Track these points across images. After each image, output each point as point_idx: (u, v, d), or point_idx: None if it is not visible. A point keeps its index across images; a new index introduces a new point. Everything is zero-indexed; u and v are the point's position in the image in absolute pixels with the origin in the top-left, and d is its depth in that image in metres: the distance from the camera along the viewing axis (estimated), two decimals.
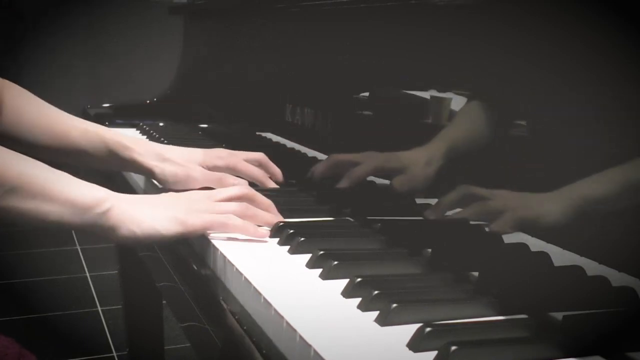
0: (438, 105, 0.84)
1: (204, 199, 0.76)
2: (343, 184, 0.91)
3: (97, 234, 0.72)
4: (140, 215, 0.71)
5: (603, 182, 0.61)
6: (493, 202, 0.73)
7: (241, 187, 0.79)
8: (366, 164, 0.92)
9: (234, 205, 0.75)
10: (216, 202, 0.76)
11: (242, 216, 0.74)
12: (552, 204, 0.65)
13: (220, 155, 0.94)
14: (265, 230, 0.74)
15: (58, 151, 0.94)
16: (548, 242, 0.66)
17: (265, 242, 0.72)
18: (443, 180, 0.80)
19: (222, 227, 0.72)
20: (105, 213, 0.70)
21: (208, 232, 0.73)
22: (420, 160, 0.82)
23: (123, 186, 1.08)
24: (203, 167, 0.91)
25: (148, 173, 0.92)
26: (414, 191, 0.84)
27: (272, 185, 0.94)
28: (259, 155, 0.96)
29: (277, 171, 0.96)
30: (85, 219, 0.70)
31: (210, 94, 1.58)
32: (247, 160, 0.94)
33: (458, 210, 0.77)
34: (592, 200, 0.62)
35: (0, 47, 3.47)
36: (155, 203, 0.74)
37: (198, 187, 0.88)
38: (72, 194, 0.70)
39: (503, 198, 0.71)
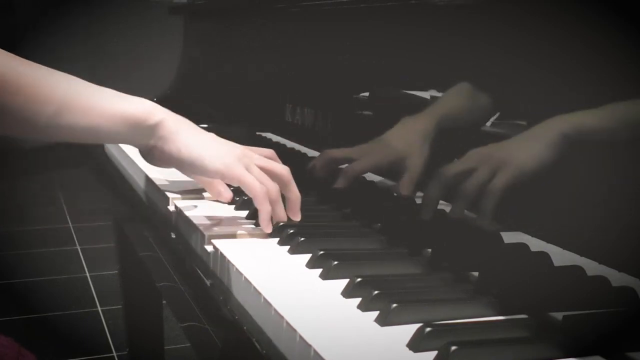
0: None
1: (249, 154, 0.75)
2: (340, 183, 0.90)
3: (142, 145, 0.72)
4: (191, 137, 0.72)
5: (586, 114, 0.60)
6: (480, 167, 0.70)
7: (284, 168, 0.77)
8: (362, 161, 0.90)
9: (270, 183, 0.74)
10: (265, 161, 0.75)
11: (268, 196, 0.73)
12: (538, 140, 0.63)
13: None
14: (269, 227, 0.74)
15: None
16: (548, 242, 0.66)
17: (265, 241, 0.72)
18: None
19: (252, 193, 0.72)
20: (156, 125, 0.71)
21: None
22: (414, 146, 0.81)
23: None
24: None
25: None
26: (419, 184, 0.82)
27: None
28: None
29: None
30: (136, 131, 0.71)
31: (210, 94, 1.58)
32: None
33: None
34: (575, 130, 0.60)
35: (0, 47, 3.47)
36: (210, 136, 0.74)
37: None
38: (121, 106, 0.70)
39: (485, 156, 0.69)
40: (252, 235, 0.74)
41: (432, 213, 0.77)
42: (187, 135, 0.72)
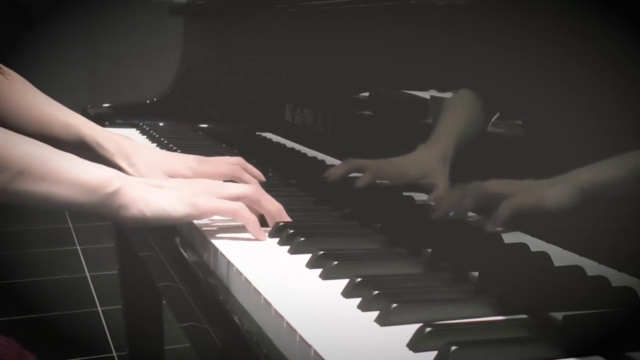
0: (438, 105, 0.84)
1: (213, 185, 0.76)
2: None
3: (106, 215, 0.71)
4: (150, 195, 0.71)
5: (603, 168, 0.61)
6: (491, 191, 0.72)
7: (251, 187, 0.77)
8: (378, 175, 0.90)
9: (243, 189, 0.75)
10: (225, 187, 0.75)
11: (250, 201, 0.74)
12: (552, 189, 0.65)
13: (190, 164, 0.91)
14: (265, 234, 0.73)
15: (40, 140, 0.95)
16: (548, 242, 0.66)
17: (265, 242, 0.72)
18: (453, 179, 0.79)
19: (231, 214, 0.72)
20: (114, 193, 0.70)
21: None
22: (435, 165, 0.81)
23: None
24: (169, 175, 0.89)
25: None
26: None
27: None
28: (237, 160, 0.92)
29: (257, 173, 0.93)
30: (94, 199, 0.70)
31: (210, 94, 1.58)
32: (221, 163, 0.91)
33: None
34: (592, 184, 0.61)
35: (0, 47, 3.47)
36: (165, 185, 0.74)
37: None
38: (80, 174, 0.70)
39: (501, 186, 0.70)
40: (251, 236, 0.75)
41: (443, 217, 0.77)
42: (146, 196, 0.71)
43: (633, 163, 0.58)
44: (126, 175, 0.74)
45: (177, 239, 0.80)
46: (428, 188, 0.81)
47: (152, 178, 0.81)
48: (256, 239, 0.72)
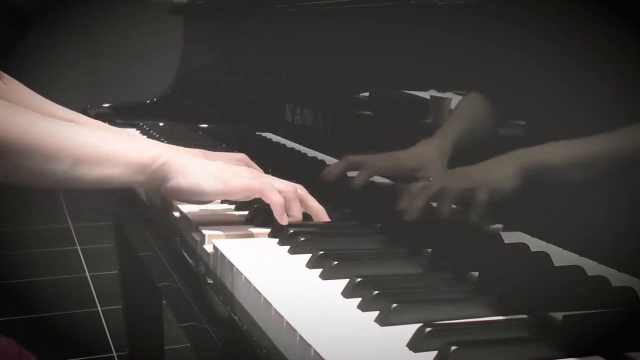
0: (438, 105, 0.84)
1: (250, 171, 0.79)
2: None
3: (151, 187, 0.77)
4: (189, 168, 0.75)
5: (558, 151, 0.62)
6: (436, 182, 0.75)
7: (297, 185, 0.80)
8: (375, 170, 0.91)
9: (292, 186, 0.78)
10: (274, 181, 0.78)
11: (291, 200, 0.76)
12: (502, 169, 0.67)
13: (194, 154, 0.91)
14: (287, 218, 0.75)
15: None
16: (548, 242, 0.66)
17: (265, 242, 0.73)
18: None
19: (260, 194, 0.75)
20: (161, 166, 0.75)
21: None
22: (431, 159, 0.82)
23: None
24: None
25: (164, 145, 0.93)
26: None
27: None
28: (241, 157, 0.95)
29: (259, 170, 0.93)
30: (145, 175, 0.75)
31: (210, 94, 1.58)
32: (226, 159, 0.92)
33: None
34: (545, 166, 0.63)
35: (0, 47, 3.47)
36: (205, 162, 0.78)
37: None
38: (133, 155, 0.74)
39: (445, 174, 0.74)
40: (250, 235, 0.75)
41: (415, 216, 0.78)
42: (186, 168, 0.75)
43: (586, 149, 0.60)
44: (171, 149, 0.78)
45: (177, 239, 0.80)
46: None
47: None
48: (258, 235, 0.72)
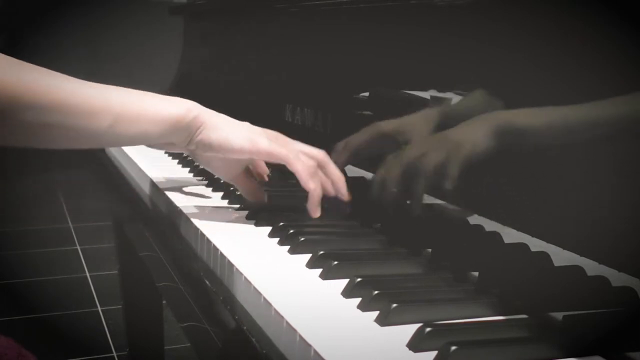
0: (438, 105, 0.84)
1: (280, 135, 0.81)
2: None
3: (183, 141, 0.78)
4: (219, 123, 0.78)
5: (531, 114, 0.63)
6: (410, 151, 0.76)
7: (322, 152, 0.82)
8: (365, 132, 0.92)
9: (317, 151, 0.80)
10: (299, 145, 0.81)
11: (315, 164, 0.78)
12: (474, 131, 0.69)
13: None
14: (314, 186, 0.76)
15: None
16: (548, 242, 0.66)
17: (265, 242, 0.73)
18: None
19: (284, 159, 0.77)
20: (193, 119, 0.77)
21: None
22: (414, 121, 0.83)
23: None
24: None
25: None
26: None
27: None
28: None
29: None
30: (179, 128, 0.77)
31: (210, 94, 1.58)
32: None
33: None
34: (518, 128, 0.64)
35: (0, 47, 3.47)
36: (234, 121, 0.80)
37: None
38: (167, 109, 0.77)
39: (418, 141, 0.75)
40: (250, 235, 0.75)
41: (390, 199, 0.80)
42: (216, 122, 0.78)
43: (560, 115, 0.61)
44: (201, 106, 0.80)
45: (177, 239, 0.80)
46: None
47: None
48: (258, 240, 0.72)
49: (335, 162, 0.85)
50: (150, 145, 0.82)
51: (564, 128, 0.61)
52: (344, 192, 0.80)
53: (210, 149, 0.78)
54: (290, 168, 0.77)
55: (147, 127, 0.75)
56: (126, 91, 0.77)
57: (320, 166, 0.80)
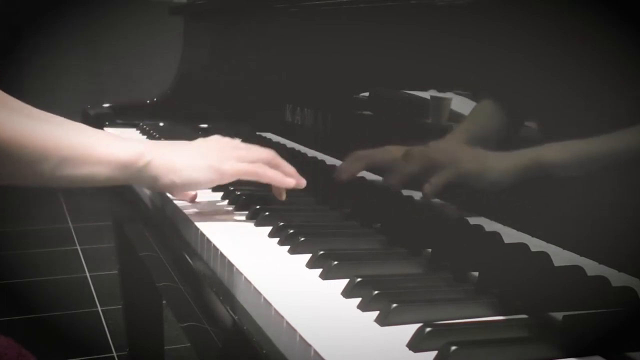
0: (438, 105, 0.84)
1: (234, 146, 0.82)
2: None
3: (141, 185, 0.79)
4: (177, 164, 0.77)
5: (557, 150, 0.63)
6: (437, 155, 0.76)
7: (271, 151, 0.83)
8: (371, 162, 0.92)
9: (262, 153, 0.81)
10: (246, 150, 0.81)
11: (269, 164, 0.80)
12: (501, 161, 0.68)
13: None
14: (291, 180, 0.80)
15: None
16: (548, 242, 0.66)
17: (265, 242, 0.73)
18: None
19: (254, 176, 0.78)
20: (146, 165, 0.76)
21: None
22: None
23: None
24: None
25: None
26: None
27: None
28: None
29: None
30: (130, 173, 0.76)
31: (210, 94, 1.58)
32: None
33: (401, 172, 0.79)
34: (542, 164, 0.64)
35: (0, 47, 3.47)
36: (190, 151, 0.80)
37: None
38: (117, 153, 0.75)
39: (446, 152, 0.75)
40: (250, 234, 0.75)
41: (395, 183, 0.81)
42: (174, 164, 0.77)
43: (583, 149, 0.60)
44: (155, 145, 0.79)
45: (177, 239, 0.80)
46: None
47: (183, 143, 0.85)
48: (258, 240, 0.72)
49: (349, 171, 0.89)
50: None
51: (590, 160, 0.61)
52: (302, 182, 0.82)
53: (178, 190, 0.79)
54: (262, 181, 0.79)
55: (94, 169, 0.74)
56: (78, 130, 0.76)
57: (273, 165, 0.81)
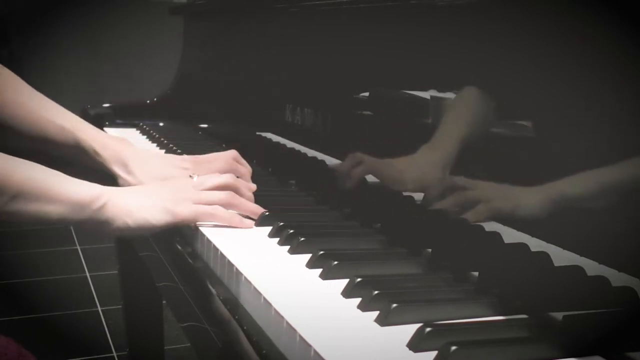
0: (438, 105, 0.84)
1: (190, 187, 0.80)
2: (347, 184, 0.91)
3: (94, 228, 0.76)
4: (132, 207, 0.76)
5: (581, 182, 0.62)
6: (472, 192, 0.74)
7: (227, 176, 0.82)
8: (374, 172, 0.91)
9: (220, 195, 0.79)
10: (203, 192, 0.79)
11: (227, 205, 0.78)
12: (529, 197, 0.67)
13: (185, 167, 0.94)
14: (250, 221, 0.78)
15: (37, 141, 0.98)
16: (548, 242, 0.66)
17: (265, 242, 0.73)
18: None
19: (210, 218, 0.76)
20: (100, 208, 0.75)
21: (197, 223, 0.76)
22: (434, 173, 0.81)
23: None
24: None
25: (113, 178, 0.95)
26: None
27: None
28: (232, 155, 0.96)
29: (247, 167, 0.96)
30: (83, 214, 0.75)
31: (210, 94, 1.58)
32: (216, 161, 0.94)
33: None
34: (568, 198, 0.63)
35: (0, 47, 3.47)
36: (146, 194, 0.79)
37: None
38: (71, 193, 0.74)
39: (481, 188, 0.73)
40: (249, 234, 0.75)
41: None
42: (129, 209, 0.76)
43: (605, 179, 0.60)
44: (112, 189, 0.78)
45: (177, 239, 0.80)
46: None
47: (140, 186, 0.85)
48: (259, 239, 0.72)
49: (355, 172, 0.88)
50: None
51: (613, 190, 0.61)
52: (258, 212, 0.80)
53: (132, 233, 0.77)
54: (218, 222, 0.77)
55: (47, 207, 0.73)
56: (33, 168, 0.75)
57: (234, 189, 0.81)
